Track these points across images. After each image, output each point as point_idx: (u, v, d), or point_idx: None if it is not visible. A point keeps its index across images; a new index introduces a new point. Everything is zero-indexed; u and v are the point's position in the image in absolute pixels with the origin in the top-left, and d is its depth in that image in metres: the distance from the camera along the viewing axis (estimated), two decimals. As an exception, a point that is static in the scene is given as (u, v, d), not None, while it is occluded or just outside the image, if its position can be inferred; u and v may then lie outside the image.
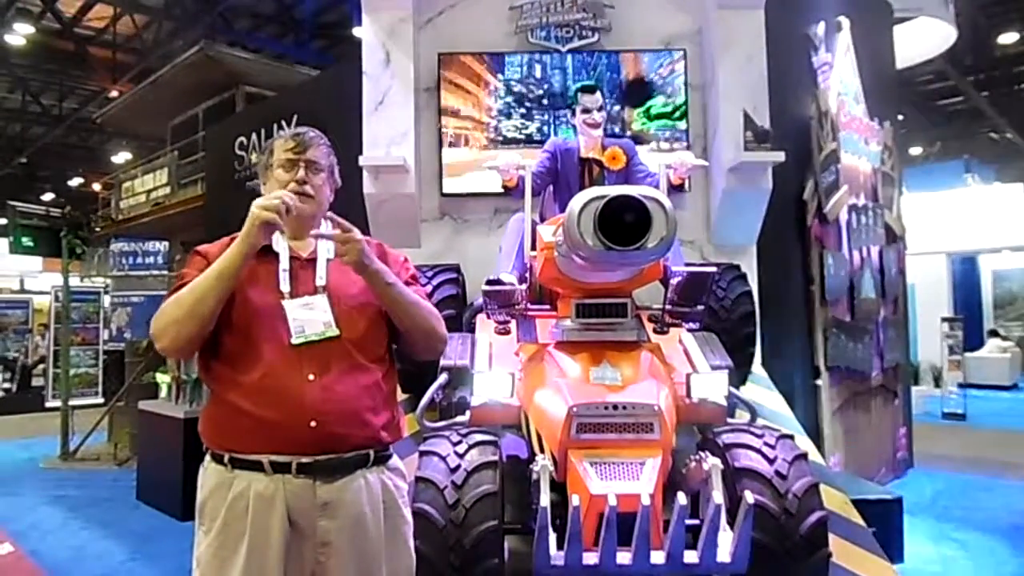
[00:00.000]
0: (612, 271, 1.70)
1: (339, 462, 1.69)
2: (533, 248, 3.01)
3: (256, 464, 1.66)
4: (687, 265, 3.09)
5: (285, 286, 1.76)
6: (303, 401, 1.66)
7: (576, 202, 1.57)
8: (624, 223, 1.50)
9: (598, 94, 3.58)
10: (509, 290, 2.93)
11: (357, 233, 1.71)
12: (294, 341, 1.70)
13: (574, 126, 3.65)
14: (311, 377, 1.68)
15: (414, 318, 1.80)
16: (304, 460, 1.66)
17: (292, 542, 1.65)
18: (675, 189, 3.39)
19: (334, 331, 1.73)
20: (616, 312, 2.65)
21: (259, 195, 1.83)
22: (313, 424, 1.66)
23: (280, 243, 1.81)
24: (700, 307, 3.04)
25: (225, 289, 1.67)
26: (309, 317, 1.73)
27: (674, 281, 3.05)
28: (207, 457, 1.75)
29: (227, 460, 1.68)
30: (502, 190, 3.51)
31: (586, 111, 3.54)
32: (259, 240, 1.69)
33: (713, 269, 3.08)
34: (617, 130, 4.51)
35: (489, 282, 2.99)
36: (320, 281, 1.78)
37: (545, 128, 4.59)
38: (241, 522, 1.64)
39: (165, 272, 8.41)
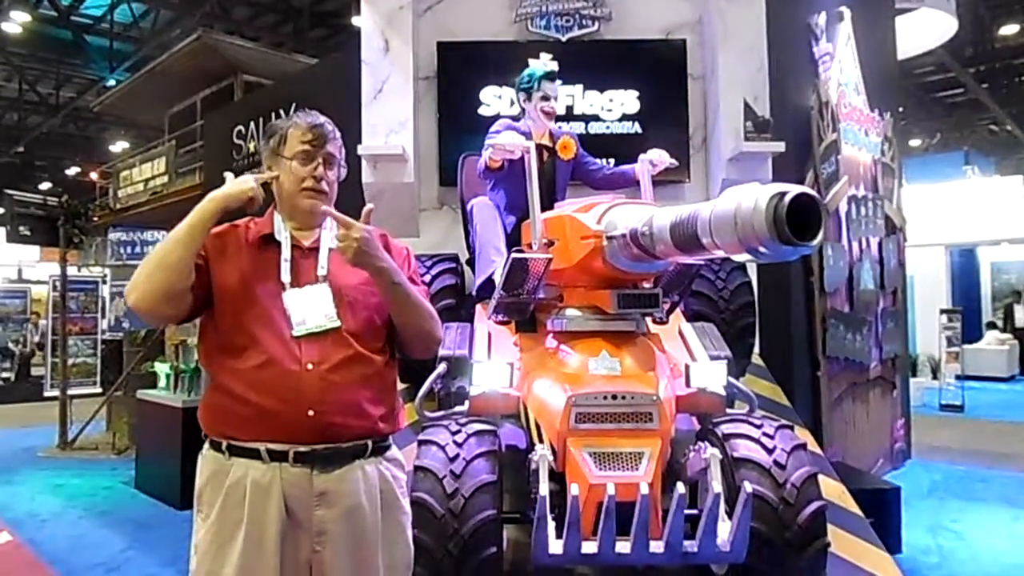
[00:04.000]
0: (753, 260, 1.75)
1: (336, 452, 1.69)
2: (545, 235, 2.90)
3: (253, 452, 1.65)
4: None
5: (286, 276, 1.74)
6: (301, 390, 1.65)
7: (754, 195, 1.62)
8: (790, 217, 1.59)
9: (557, 82, 3.48)
10: (531, 264, 2.75)
11: (361, 229, 1.66)
12: (295, 333, 1.69)
13: (524, 109, 3.53)
14: (310, 366, 1.67)
15: (412, 318, 1.78)
16: (301, 449, 1.66)
17: (289, 531, 1.65)
18: (635, 183, 3.43)
19: (335, 322, 1.72)
20: (650, 302, 2.64)
21: (266, 183, 1.82)
22: (311, 413, 1.65)
23: (282, 232, 1.80)
24: (678, 299, 3.02)
25: (193, 240, 1.68)
26: (310, 308, 1.72)
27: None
28: (206, 444, 1.74)
29: (224, 447, 1.68)
30: (484, 169, 3.36)
31: (545, 98, 3.43)
32: (227, 207, 1.72)
33: (700, 262, 3.05)
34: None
35: (517, 249, 2.87)
36: (322, 271, 1.77)
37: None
38: (238, 509, 1.64)
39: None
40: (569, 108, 4.55)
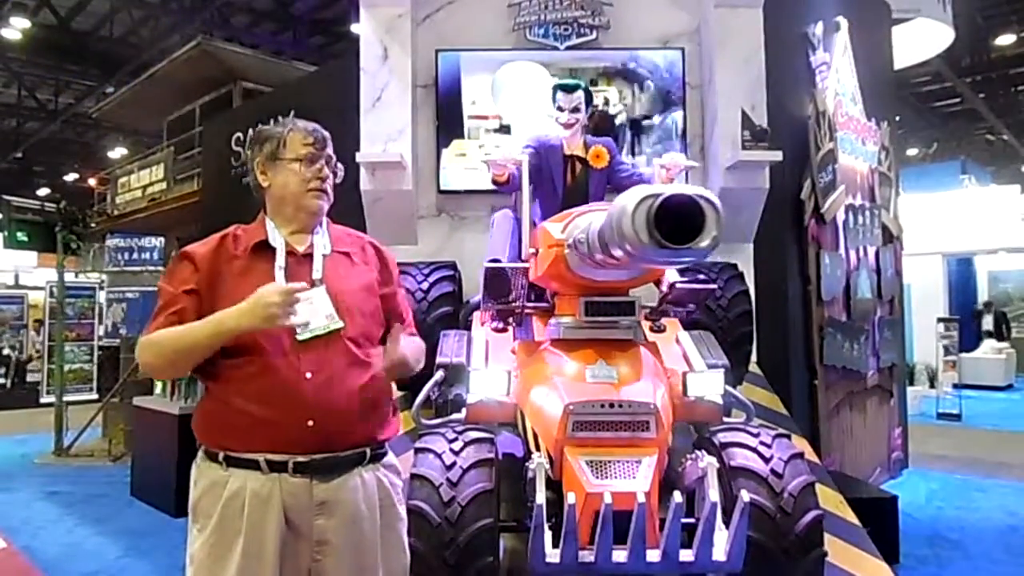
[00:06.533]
0: (653, 267, 1.70)
1: (336, 461, 1.69)
2: (531, 245, 2.96)
3: (252, 463, 1.64)
4: (689, 280, 3.06)
5: (282, 283, 1.73)
6: (301, 399, 1.65)
7: (629, 198, 1.57)
8: (675, 221, 1.49)
9: (577, 94, 3.47)
10: (512, 271, 2.83)
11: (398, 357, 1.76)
12: (300, 337, 1.68)
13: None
14: (308, 375, 1.67)
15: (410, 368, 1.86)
16: (301, 459, 1.65)
17: (288, 541, 1.65)
18: None
19: (338, 323, 1.72)
20: (622, 310, 2.64)
21: (258, 189, 1.82)
22: (311, 423, 1.65)
23: (277, 239, 1.79)
24: (694, 310, 3.04)
25: (211, 350, 1.65)
26: (311, 312, 1.71)
27: (671, 281, 3.06)
28: (200, 454, 1.73)
29: (222, 458, 1.67)
30: (492, 185, 3.41)
31: (559, 110, 3.46)
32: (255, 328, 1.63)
33: (712, 287, 3.07)
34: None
35: (493, 260, 2.90)
36: (317, 275, 1.77)
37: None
38: (237, 520, 1.63)
39: (160, 268, 8.38)
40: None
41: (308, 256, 1.80)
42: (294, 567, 1.65)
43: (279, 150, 1.81)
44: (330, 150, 1.84)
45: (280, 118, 1.91)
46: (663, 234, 1.53)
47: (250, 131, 6.88)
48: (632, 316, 2.64)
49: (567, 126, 3.49)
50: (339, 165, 1.89)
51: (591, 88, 3.87)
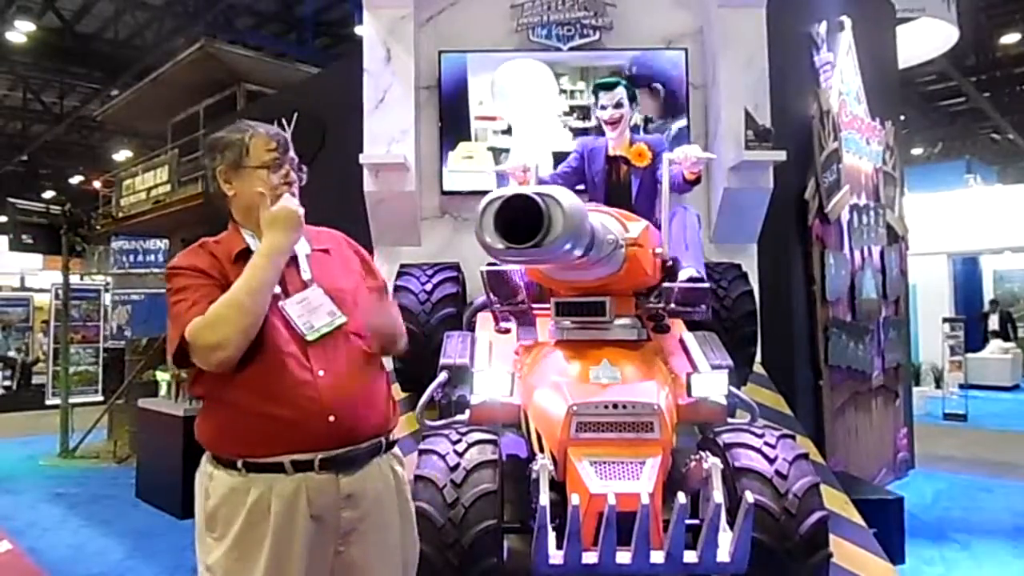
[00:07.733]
0: (542, 267, 1.75)
1: (357, 453, 1.71)
2: None
3: (276, 466, 1.64)
4: (689, 279, 3.05)
5: (276, 287, 1.73)
6: (319, 397, 1.66)
7: (481, 202, 1.62)
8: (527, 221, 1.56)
9: (617, 91, 3.42)
10: (508, 274, 2.84)
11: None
12: (309, 338, 1.69)
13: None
14: (321, 372, 1.68)
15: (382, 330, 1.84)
16: (325, 455, 1.66)
17: (314, 536, 1.65)
18: (689, 184, 3.28)
19: (341, 318, 1.74)
20: (594, 310, 2.64)
21: (222, 198, 1.83)
22: (331, 419, 1.66)
23: (257, 246, 1.77)
24: (703, 307, 3.04)
25: (275, 283, 1.70)
26: (312, 312, 1.72)
27: (679, 280, 3.07)
28: (208, 463, 1.71)
29: (240, 465, 1.65)
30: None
31: (602, 108, 3.44)
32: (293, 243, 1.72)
33: (707, 285, 3.06)
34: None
35: (490, 263, 2.91)
36: (306, 275, 1.78)
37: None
38: (262, 526, 1.62)
39: (165, 270, 8.41)
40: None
41: (292, 258, 1.78)
42: (320, 561, 1.67)
43: (242, 158, 1.78)
44: (292, 153, 1.82)
45: (284, 120, 1.90)
46: (512, 235, 1.58)
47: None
48: (603, 316, 2.65)
49: (609, 123, 3.45)
50: (303, 167, 1.87)
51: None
